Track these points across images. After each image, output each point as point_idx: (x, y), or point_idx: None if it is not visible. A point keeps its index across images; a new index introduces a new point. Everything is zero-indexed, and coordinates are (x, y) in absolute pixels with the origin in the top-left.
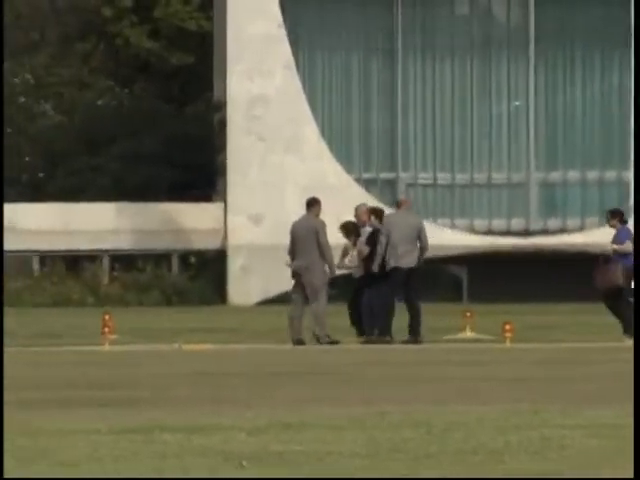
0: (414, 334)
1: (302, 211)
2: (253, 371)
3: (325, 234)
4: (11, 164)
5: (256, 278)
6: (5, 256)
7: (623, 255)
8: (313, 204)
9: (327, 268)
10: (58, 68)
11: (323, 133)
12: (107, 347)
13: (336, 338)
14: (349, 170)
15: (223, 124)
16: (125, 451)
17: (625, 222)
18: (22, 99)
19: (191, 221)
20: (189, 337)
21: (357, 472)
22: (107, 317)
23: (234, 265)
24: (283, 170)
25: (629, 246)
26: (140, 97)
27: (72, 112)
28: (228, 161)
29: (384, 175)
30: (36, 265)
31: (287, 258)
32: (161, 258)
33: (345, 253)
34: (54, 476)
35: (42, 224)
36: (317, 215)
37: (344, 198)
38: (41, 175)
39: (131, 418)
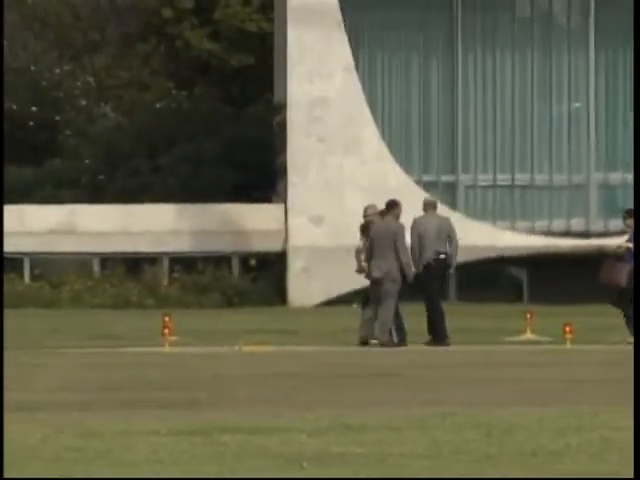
0: (432, 335)
1: (361, 213)
2: (313, 373)
3: (404, 237)
4: (71, 166)
5: (317, 279)
6: (65, 258)
7: (632, 256)
8: (393, 206)
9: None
10: (118, 70)
11: (383, 135)
12: (167, 349)
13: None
14: (409, 172)
15: (283, 126)
16: (185, 452)
17: None
18: (83, 102)
19: (251, 222)
20: (249, 339)
21: (418, 473)
22: (167, 319)
23: (295, 266)
24: (343, 171)
25: None
26: (200, 99)
27: (132, 114)
28: (288, 162)
29: (444, 177)
30: (96, 267)
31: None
32: (221, 260)
33: (358, 255)
34: (115, 476)
35: (102, 226)
36: (397, 218)
37: (404, 200)
38: (101, 177)
39: (191, 419)
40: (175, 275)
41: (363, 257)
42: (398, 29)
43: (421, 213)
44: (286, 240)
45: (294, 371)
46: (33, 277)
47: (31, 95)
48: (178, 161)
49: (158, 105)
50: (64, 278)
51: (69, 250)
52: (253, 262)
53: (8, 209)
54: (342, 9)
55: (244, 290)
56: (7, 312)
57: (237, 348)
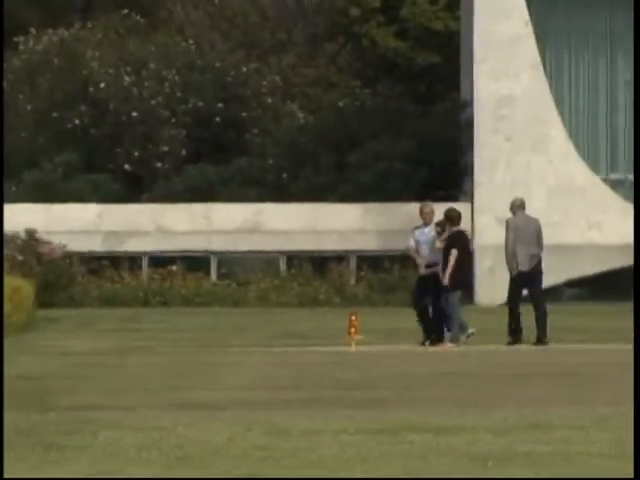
0: (540, 334)
1: (548, 212)
2: (498, 371)
3: None
4: (257, 165)
5: (503, 278)
6: (252, 257)
7: None
8: None
9: None
10: (305, 68)
11: (570, 133)
12: (353, 347)
13: None
14: (596, 170)
15: (469, 124)
16: (372, 451)
17: None
18: (269, 100)
19: None
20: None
21: (604, 473)
22: (353, 317)
23: (481, 265)
24: (530, 170)
25: None
26: (386, 97)
27: (318, 112)
28: (475, 161)
29: (631, 176)
30: (283, 265)
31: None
32: (407, 259)
33: (415, 253)
34: (303, 476)
35: (288, 224)
36: None
37: (591, 199)
38: (285, 176)
39: (378, 418)
40: (362, 274)
41: (434, 249)
42: (585, 27)
43: (606, 211)
44: (473, 239)
45: (479, 370)
46: (220, 276)
47: (217, 92)
48: (363, 160)
49: (341, 103)
50: (251, 277)
51: (255, 249)
52: None
53: (194, 207)
54: (529, 7)
55: None
56: (194, 310)
57: (423, 347)
